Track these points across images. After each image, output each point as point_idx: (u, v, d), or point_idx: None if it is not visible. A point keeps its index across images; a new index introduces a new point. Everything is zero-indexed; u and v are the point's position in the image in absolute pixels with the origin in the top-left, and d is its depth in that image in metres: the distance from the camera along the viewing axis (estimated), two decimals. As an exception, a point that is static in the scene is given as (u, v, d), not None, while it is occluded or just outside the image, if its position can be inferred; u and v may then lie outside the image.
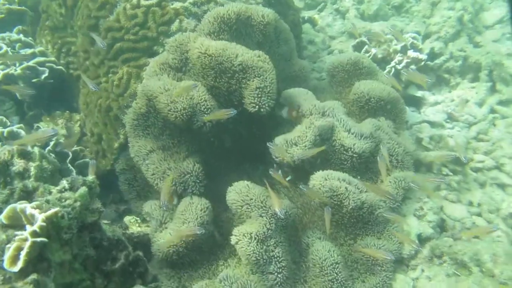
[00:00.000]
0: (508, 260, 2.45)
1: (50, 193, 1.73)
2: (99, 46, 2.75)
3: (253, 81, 2.52)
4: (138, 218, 2.78)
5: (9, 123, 3.08)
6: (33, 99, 3.32)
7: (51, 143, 2.81)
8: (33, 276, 1.42)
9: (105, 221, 2.61)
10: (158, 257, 2.50)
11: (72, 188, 1.78)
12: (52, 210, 1.53)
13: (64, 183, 1.79)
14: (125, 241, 2.00)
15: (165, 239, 2.44)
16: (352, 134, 2.71)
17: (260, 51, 2.58)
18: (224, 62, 2.52)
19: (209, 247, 2.58)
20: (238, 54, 2.52)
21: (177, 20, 2.80)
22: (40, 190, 1.72)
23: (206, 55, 2.54)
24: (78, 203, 1.69)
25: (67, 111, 3.36)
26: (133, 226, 2.71)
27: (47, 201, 1.62)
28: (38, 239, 1.47)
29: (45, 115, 3.35)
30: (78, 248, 1.74)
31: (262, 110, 2.54)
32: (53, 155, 2.74)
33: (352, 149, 2.68)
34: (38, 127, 3.08)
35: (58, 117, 3.34)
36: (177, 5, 2.82)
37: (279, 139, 2.66)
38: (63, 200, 1.67)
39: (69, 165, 2.83)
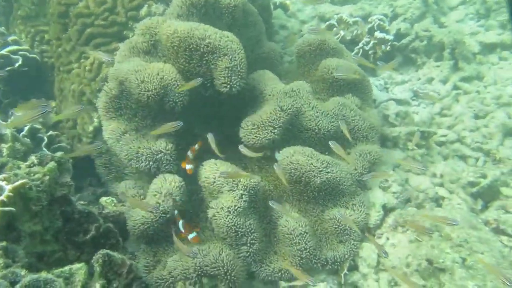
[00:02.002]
0: (465, 224, 2.60)
1: (19, 168, 1.81)
2: (106, 61, 2.80)
3: (222, 60, 2.59)
4: (114, 199, 2.86)
5: (-16, 111, 3.13)
6: (8, 87, 3.37)
7: (25, 128, 2.86)
8: (2, 243, 1.50)
9: (82, 202, 2.70)
10: (133, 234, 2.59)
11: (41, 163, 1.86)
12: (19, 182, 1.62)
13: (33, 158, 1.86)
14: (96, 214, 2.08)
15: (139, 215, 2.52)
16: (318, 112, 2.82)
17: (228, 32, 2.67)
18: (192, 43, 2.58)
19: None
20: (206, 34, 2.58)
21: (146, 5, 2.88)
22: (9, 165, 1.80)
23: (175, 36, 2.59)
24: (47, 177, 1.77)
25: (43, 99, 3.41)
26: (109, 206, 2.79)
27: (16, 175, 1.70)
28: (6, 209, 1.55)
29: (21, 102, 3.40)
30: (49, 221, 1.83)
31: (233, 89, 2.61)
32: (28, 139, 2.81)
33: (317, 127, 2.79)
34: (12, 114, 3.13)
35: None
36: (146, -10, 2.89)
37: (247, 123, 2.75)
38: (32, 174, 1.75)
39: (44, 149, 2.89)
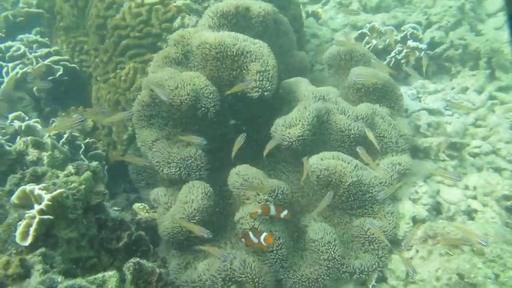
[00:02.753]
0: (498, 239, 2.53)
1: (57, 177, 1.91)
2: (163, 99, 2.86)
3: (254, 64, 2.61)
4: (146, 205, 2.95)
5: (27, 118, 3.29)
6: (49, 96, 3.54)
7: (65, 136, 2.99)
8: (41, 249, 1.59)
9: (116, 208, 2.81)
10: (165, 239, 2.66)
11: (78, 172, 1.96)
12: (57, 191, 1.71)
13: (70, 168, 1.96)
14: (128, 222, 2.16)
15: (169, 221, 2.59)
16: (348, 116, 2.82)
17: (258, 40, 2.71)
18: (223, 50, 2.63)
19: (212, 229, 2.72)
20: (237, 41, 2.64)
21: (179, 17, 2.96)
22: (49, 174, 1.91)
23: (206, 44, 2.65)
24: (83, 186, 1.86)
25: (81, 106, 3.55)
26: (142, 212, 2.88)
27: (54, 184, 1.79)
28: (45, 217, 1.64)
29: (60, 110, 3.56)
30: (84, 228, 1.91)
31: (265, 93, 2.61)
32: (66, 146, 2.94)
33: (348, 130, 2.79)
34: (53, 121, 3.29)
35: (72, 112, 3.54)
36: (179, 2, 2.99)
37: (278, 121, 2.77)
38: (69, 183, 1.84)
39: (81, 156, 3.02)
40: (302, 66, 3.38)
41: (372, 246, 2.64)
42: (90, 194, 1.95)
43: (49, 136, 2.67)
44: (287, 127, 2.74)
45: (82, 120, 2.45)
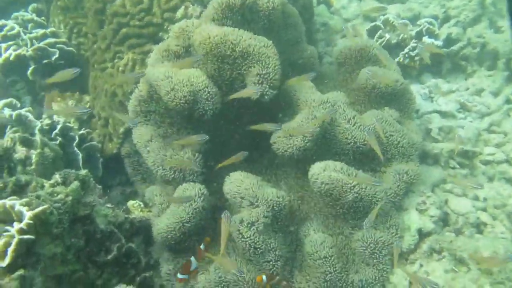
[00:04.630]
0: (507, 258, 2.41)
1: (42, 187, 1.78)
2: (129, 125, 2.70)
3: (254, 67, 2.49)
4: (141, 203, 2.84)
5: (19, 105, 3.15)
6: (44, 79, 3.38)
7: (58, 127, 2.86)
8: (20, 272, 1.48)
9: (109, 205, 2.69)
10: (158, 242, 2.56)
11: (65, 182, 1.83)
12: (40, 208, 1.58)
13: (57, 177, 1.83)
14: (118, 233, 2.05)
15: (163, 223, 2.49)
16: (354, 125, 2.67)
17: (263, 37, 2.54)
18: (226, 49, 2.49)
19: (207, 234, 2.62)
20: (241, 40, 2.48)
21: (183, 7, 2.78)
22: (33, 184, 1.77)
23: (208, 41, 2.50)
24: (69, 198, 1.74)
25: (78, 92, 3.40)
26: (136, 210, 2.78)
27: (38, 197, 1.66)
28: (25, 237, 1.52)
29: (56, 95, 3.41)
30: (70, 240, 1.80)
31: (265, 96, 2.50)
32: (59, 138, 2.81)
33: (353, 141, 2.65)
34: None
35: (68, 98, 3.39)
36: (183, -10, 2.80)
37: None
38: (55, 195, 1.72)
39: (75, 148, 2.89)
40: (310, 61, 3.20)
41: (373, 260, 2.52)
42: (77, 206, 1.83)
43: (40, 129, 2.53)
44: (288, 138, 2.60)
45: (86, 112, 2.31)
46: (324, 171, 2.50)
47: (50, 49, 3.33)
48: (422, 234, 2.64)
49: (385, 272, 2.52)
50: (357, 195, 2.46)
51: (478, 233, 2.73)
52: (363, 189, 2.47)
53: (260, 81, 2.48)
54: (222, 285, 2.35)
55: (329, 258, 2.40)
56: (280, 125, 2.48)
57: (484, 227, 2.76)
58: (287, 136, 2.58)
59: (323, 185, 2.47)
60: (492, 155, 3.08)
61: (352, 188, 2.46)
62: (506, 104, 3.38)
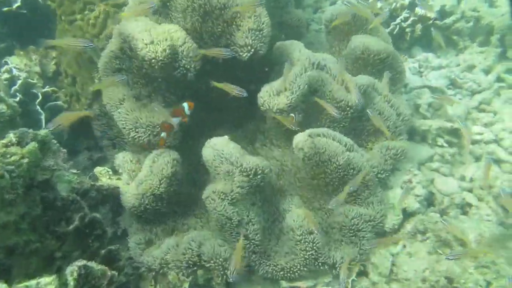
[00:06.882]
0: (493, 242, 2.32)
1: (-7, 147, 1.54)
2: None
3: (247, 21, 2.31)
4: (109, 170, 2.62)
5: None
6: (5, 29, 3.08)
7: (19, 82, 2.58)
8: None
9: (74, 171, 2.47)
10: (128, 211, 2.38)
11: (21, 142, 1.59)
12: (-12, 170, 1.36)
13: (11, 136, 1.59)
14: (81, 202, 1.83)
15: (132, 191, 2.29)
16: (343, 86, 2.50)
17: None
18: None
19: (180, 202, 2.45)
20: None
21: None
22: (-18, 144, 1.53)
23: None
24: (25, 160, 1.51)
25: (41, 48, 3.11)
26: (104, 177, 2.56)
27: (-13, 157, 1.44)
28: (-33, 203, 1.30)
29: (18, 48, 3.10)
30: (26, 207, 1.58)
31: (259, 53, 2.35)
32: (19, 95, 2.54)
33: (344, 102, 2.48)
34: (6, 62, 2.84)
35: (32, 52, 3.09)
36: None
37: (266, 87, 2.45)
38: (8, 156, 1.49)
39: (37, 107, 2.63)
40: (298, 25, 2.99)
41: (355, 237, 2.40)
42: (35, 170, 1.60)
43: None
44: (275, 94, 2.41)
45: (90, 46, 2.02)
46: (310, 137, 2.32)
47: (11, -5, 3.01)
48: (407, 214, 2.52)
49: (366, 251, 2.40)
50: (346, 161, 2.32)
51: (463, 215, 2.63)
52: (353, 157, 2.33)
53: (252, 37, 2.31)
54: (197, 260, 2.19)
55: (312, 234, 2.27)
56: (244, 91, 2.28)
57: (469, 209, 2.66)
58: (273, 92, 2.39)
59: (310, 149, 2.30)
60: (480, 134, 2.97)
61: (341, 153, 2.30)
62: (497, 82, 3.25)
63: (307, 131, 2.37)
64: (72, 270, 1.43)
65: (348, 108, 2.49)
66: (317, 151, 2.31)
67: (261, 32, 2.32)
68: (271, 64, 2.65)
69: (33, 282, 1.34)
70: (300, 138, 2.34)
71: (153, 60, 2.20)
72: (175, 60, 2.26)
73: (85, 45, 2.05)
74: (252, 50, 2.33)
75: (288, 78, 2.38)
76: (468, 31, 3.50)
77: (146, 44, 2.20)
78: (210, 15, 2.35)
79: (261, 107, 2.43)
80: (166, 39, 2.18)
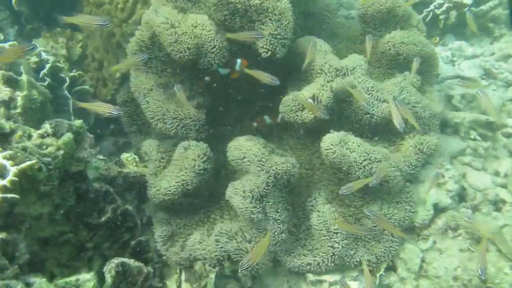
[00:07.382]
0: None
1: (29, 137, 1.52)
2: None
3: (267, 25, 2.27)
4: (136, 156, 2.60)
5: (2, 37, 2.82)
6: (32, 11, 3.04)
7: (47, 66, 2.55)
8: (1, 235, 1.25)
9: (101, 157, 2.45)
10: (154, 203, 2.36)
11: (56, 133, 1.56)
12: (27, 163, 1.33)
13: (47, 127, 1.56)
14: (114, 194, 1.81)
15: (161, 185, 2.26)
16: (372, 96, 2.45)
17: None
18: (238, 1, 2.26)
19: (208, 195, 2.42)
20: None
21: None
22: (18, 133, 1.50)
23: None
24: (61, 152, 1.49)
25: (69, 29, 3.06)
26: (130, 165, 2.54)
27: (24, 149, 1.41)
28: (8, 195, 1.28)
29: (44, 31, 3.07)
30: (60, 198, 1.57)
31: (277, 55, 2.31)
32: (48, 79, 2.52)
33: (371, 112, 2.43)
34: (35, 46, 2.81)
35: (58, 35, 3.05)
36: None
37: (288, 99, 2.40)
38: (44, 147, 1.46)
39: (65, 91, 2.60)
40: (325, 14, 2.90)
41: (383, 236, 2.36)
42: (69, 161, 1.58)
43: (26, 68, 2.23)
44: (299, 109, 2.37)
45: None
46: (338, 144, 2.27)
47: (38, -22, 2.97)
48: (438, 209, 2.46)
49: (394, 249, 2.36)
50: (366, 173, 2.27)
51: (496, 212, 2.56)
52: (373, 168, 2.27)
53: (272, 41, 2.28)
54: (225, 252, 2.17)
55: (337, 233, 2.25)
56: (277, 79, 2.23)
57: (502, 205, 2.58)
58: (296, 106, 2.36)
59: (334, 159, 2.26)
60: (515, 128, 2.87)
61: (361, 167, 2.26)
62: (534, 74, 3.13)
63: (341, 135, 2.32)
64: (110, 268, 1.42)
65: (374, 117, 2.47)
66: (338, 161, 2.27)
67: (280, 36, 2.27)
68: (294, 63, 2.59)
69: (72, 278, 1.33)
70: (327, 144, 2.29)
71: (177, 57, 2.19)
72: (200, 57, 2.24)
73: (101, 23, 2.00)
74: (270, 52, 2.29)
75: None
76: (505, 19, 3.36)
77: (170, 43, 2.18)
78: (239, 12, 2.30)
79: (286, 119, 2.42)
80: (191, 37, 2.17)
